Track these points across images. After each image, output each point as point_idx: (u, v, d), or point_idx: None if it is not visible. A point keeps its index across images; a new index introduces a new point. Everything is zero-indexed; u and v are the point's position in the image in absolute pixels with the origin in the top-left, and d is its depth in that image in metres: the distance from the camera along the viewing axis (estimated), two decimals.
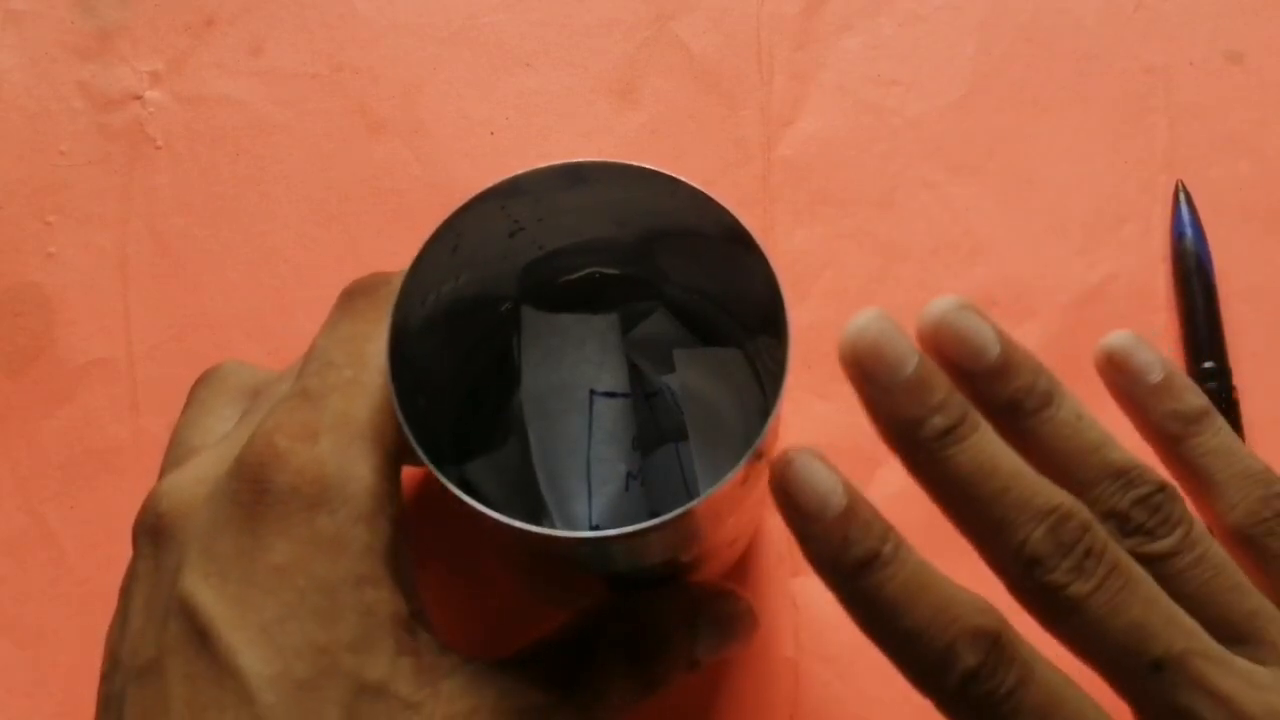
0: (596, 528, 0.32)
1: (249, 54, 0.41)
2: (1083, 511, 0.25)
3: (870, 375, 0.25)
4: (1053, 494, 0.25)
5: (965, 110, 0.40)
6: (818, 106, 0.40)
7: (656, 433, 0.34)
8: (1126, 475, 0.26)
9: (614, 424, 0.32)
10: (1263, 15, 0.40)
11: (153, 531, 0.25)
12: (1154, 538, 0.25)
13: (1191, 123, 0.39)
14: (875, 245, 0.39)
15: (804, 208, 0.39)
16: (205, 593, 0.23)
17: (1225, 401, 0.36)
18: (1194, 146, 0.39)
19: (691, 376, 0.33)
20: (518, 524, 0.24)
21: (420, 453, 0.25)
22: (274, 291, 0.39)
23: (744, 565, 0.36)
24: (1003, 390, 0.26)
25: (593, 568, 0.28)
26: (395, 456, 0.25)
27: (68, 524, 0.37)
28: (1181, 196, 0.38)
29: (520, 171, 0.27)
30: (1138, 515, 0.26)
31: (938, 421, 0.25)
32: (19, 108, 0.41)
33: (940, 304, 0.26)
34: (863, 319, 0.25)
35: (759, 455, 0.26)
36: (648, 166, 0.27)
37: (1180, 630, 0.24)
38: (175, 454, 0.28)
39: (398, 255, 0.27)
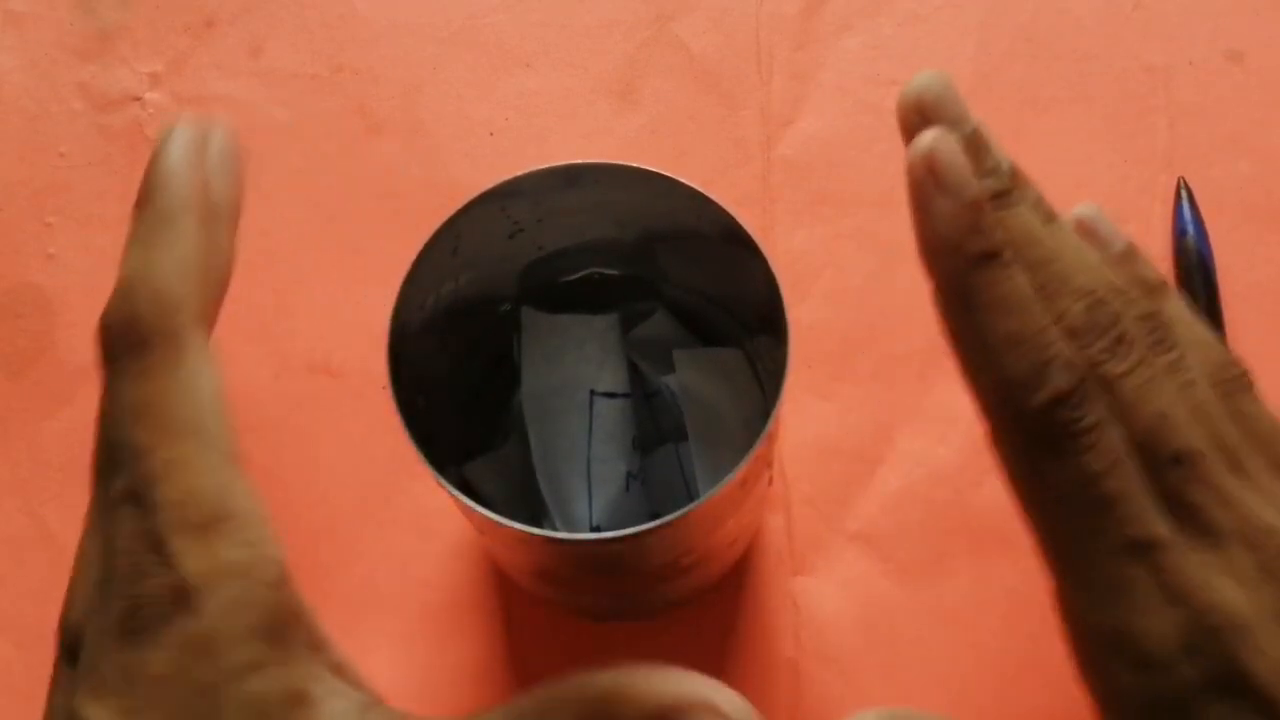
0: (597, 528, 0.32)
1: (249, 55, 0.41)
2: (1117, 301, 0.25)
3: (935, 122, 0.25)
4: (1092, 276, 0.26)
5: None
6: (817, 106, 0.40)
7: (656, 433, 0.34)
8: (1126, 293, 0.26)
9: (614, 424, 0.32)
10: (1263, 15, 0.40)
11: (62, 649, 0.25)
12: (1155, 351, 0.26)
13: (1191, 122, 0.39)
14: (875, 245, 0.39)
15: (804, 208, 0.39)
16: (96, 711, 0.23)
17: None
18: (1194, 146, 0.39)
19: (691, 376, 0.33)
20: (517, 526, 0.24)
21: (421, 454, 0.25)
22: (274, 292, 0.39)
23: (744, 565, 0.36)
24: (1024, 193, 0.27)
25: (593, 569, 0.28)
26: (251, 515, 0.23)
27: (67, 525, 0.37)
28: (1183, 194, 0.38)
29: (520, 173, 0.27)
30: (1139, 328, 0.26)
31: (993, 182, 0.26)
32: (19, 109, 0.41)
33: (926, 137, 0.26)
34: (926, 76, 0.25)
35: (759, 456, 0.26)
36: (647, 168, 0.27)
37: (1199, 431, 0.25)
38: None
39: (398, 255, 0.27)
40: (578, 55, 0.41)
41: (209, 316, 0.25)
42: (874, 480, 0.36)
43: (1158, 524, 0.24)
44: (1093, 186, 0.39)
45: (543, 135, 0.40)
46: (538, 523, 0.32)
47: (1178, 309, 0.29)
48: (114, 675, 0.23)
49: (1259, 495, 0.25)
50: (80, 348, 0.38)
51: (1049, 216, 0.27)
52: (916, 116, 0.26)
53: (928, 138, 0.25)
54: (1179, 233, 0.38)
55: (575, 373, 0.32)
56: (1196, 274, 0.37)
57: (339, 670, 0.24)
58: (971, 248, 0.25)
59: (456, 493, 0.25)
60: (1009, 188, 0.26)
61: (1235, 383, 0.27)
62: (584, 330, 0.33)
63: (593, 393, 0.32)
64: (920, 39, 0.40)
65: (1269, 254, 0.38)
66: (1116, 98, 0.40)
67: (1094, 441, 0.24)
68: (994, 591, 0.35)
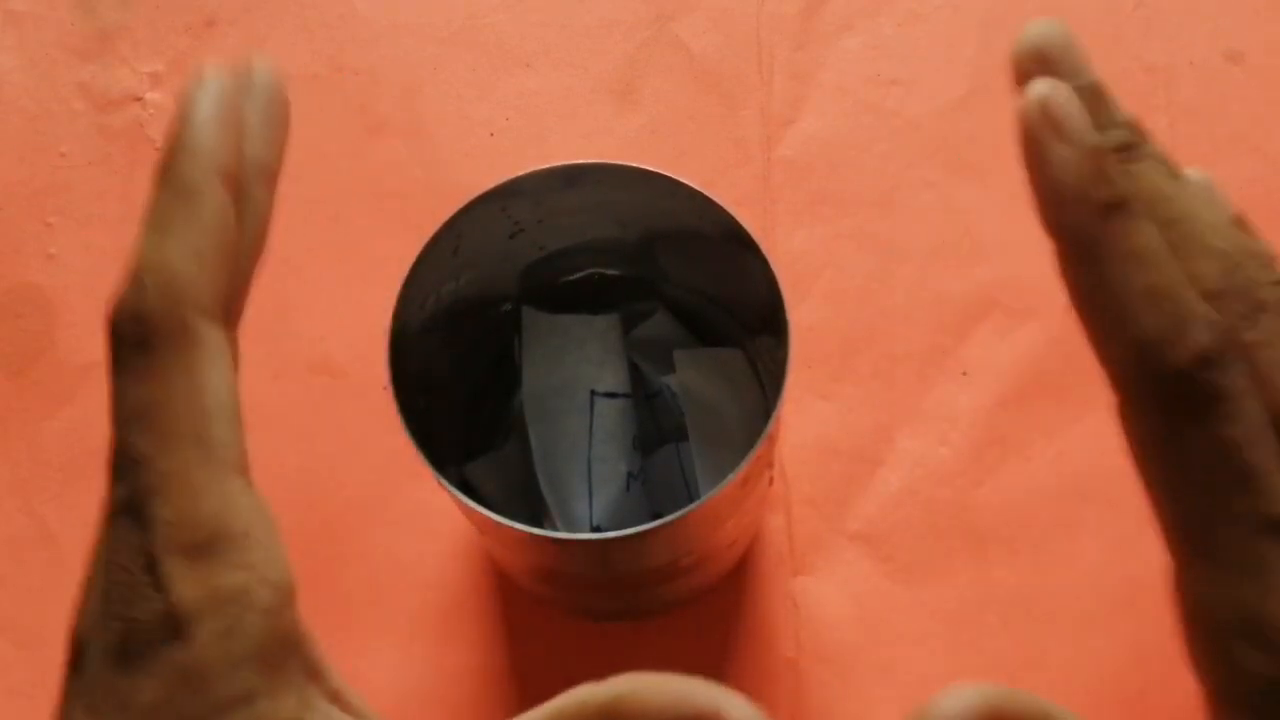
0: (598, 528, 0.32)
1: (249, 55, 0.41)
2: (1252, 265, 0.23)
3: (1055, 72, 0.25)
4: (1225, 238, 0.24)
5: (965, 110, 0.40)
6: (818, 106, 0.40)
7: (657, 433, 0.34)
8: (1260, 257, 0.24)
9: (615, 424, 0.32)
10: (1263, 15, 0.40)
11: (70, 657, 0.25)
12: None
13: (1192, 122, 0.39)
14: (875, 245, 0.39)
15: (804, 208, 0.39)
16: None
17: None
18: (1194, 146, 0.39)
19: (692, 376, 0.33)
20: (517, 526, 0.24)
21: (420, 454, 0.25)
22: (274, 292, 0.39)
23: (744, 566, 0.36)
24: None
25: (594, 569, 0.28)
26: (251, 534, 0.22)
27: (67, 524, 0.37)
28: None
29: (521, 173, 0.27)
30: (1272, 294, 0.24)
31: (1119, 134, 0.24)
32: (19, 109, 0.41)
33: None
34: (1043, 22, 0.24)
35: (759, 457, 0.26)
36: (647, 168, 0.27)
37: None
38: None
39: (398, 255, 0.27)
40: (578, 55, 0.41)
41: (232, 305, 0.23)
42: (874, 480, 0.36)
43: None
44: None
45: (543, 135, 0.40)
46: (538, 522, 0.32)
47: None
48: (107, 699, 0.22)
49: None
50: (80, 347, 0.38)
51: (1174, 173, 0.25)
52: (1034, 64, 0.24)
53: (1043, 85, 0.23)
54: None
55: (576, 373, 0.32)
56: None
57: (336, 697, 0.23)
58: (1099, 196, 0.23)
59: (457, 492, 0.25)
60: (1135, 141, 0.24)
61: None
62: (585, 330, 0.33)
63: (593, 393, 0.32)
64: (920, 39, 0.40)
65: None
66: (1117, 98, 0.40)
67: (1237, 410, 0.23)
68: (994, 591, 0.35)
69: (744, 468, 0.25)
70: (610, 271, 0.33)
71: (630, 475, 0.32)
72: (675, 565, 0.28)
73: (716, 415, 0.32)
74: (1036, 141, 0.24)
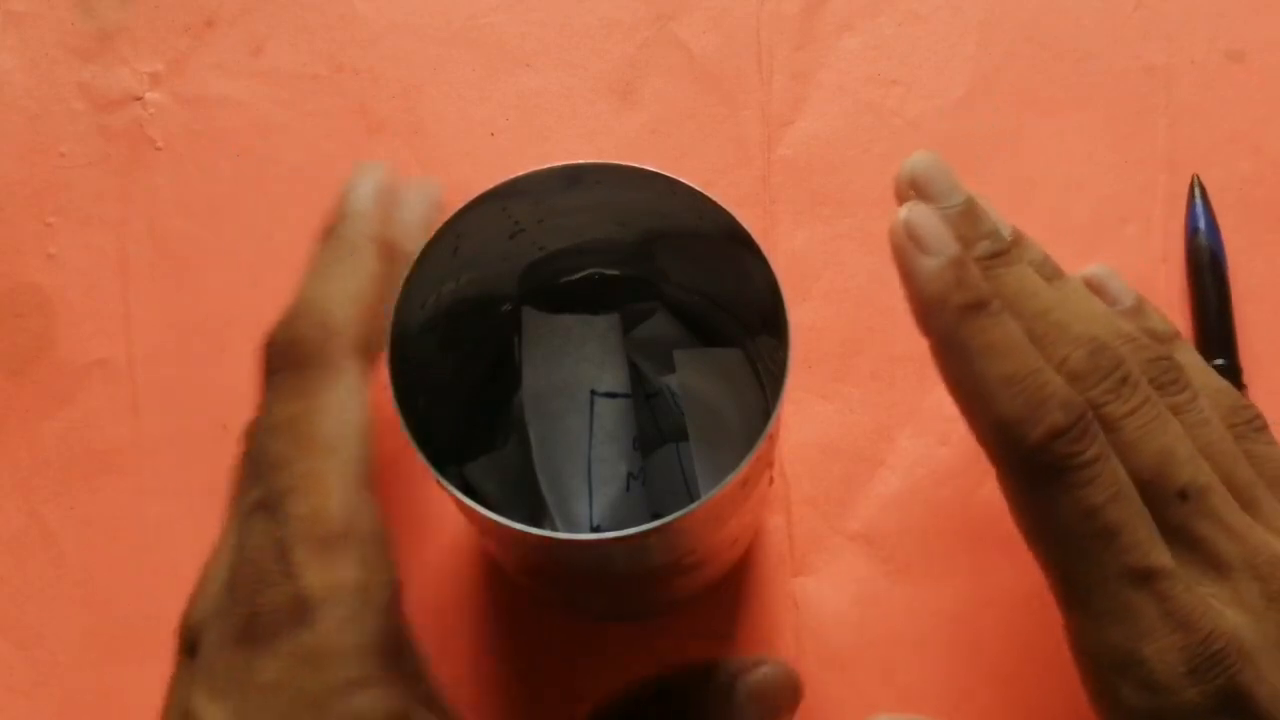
0: (597, 528, 0.32)
1: (249, 55, 0.41)
2: (1119, 346, 0.27)
3: (926, 196, 0.28)
4: (1091, 325, 0.27)
5: (965, 110, 0.40)
6: (818, 106, 0.40)
7: (657, 433, 0.34)
8: (1136, 339, 0.28)
9: (615, 424, 0.32)
10: (1264, 14, 0.40)
11: (183, 645, 0.25)
12: (1167, 392, 0.27)
13: (1192, 122, 0.39)
14: (875, 245, 0.38)
15: (804, 208, 0.39)
16: (212, 710, 0.23)
17: None
18: (1195, 146, 0.39)
19: (692, 376, 0.33)
20: (517, 526, 0.24)
21: (420, 454, 0.25)
22: (274, 292, 0.39)
23: (744, 566, 0.36)
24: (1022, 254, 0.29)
25: (594, 569, 0.28)
26: (373, 538, 0.24)
27: (67, 525, 0.37)
28: (1197, 191, 0.38)
29: (520, 173, 0.27)
30: (1150, 371, 0.27)
31: (987, 245, 0.28)
32: (19, 109, 0.41)
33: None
34: (919, 154, 0.28)
35: (760, 456, 0.26)
36: (647, 168, 0.27)
37: (1204, 467, 0.26)
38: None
39: None
40: (578, 55, 0.41)
41: (371, 348, 0.25)
42: (874, 480, 0.36)
43: (1160, 554, 0.25)
44: (1093, 186, 0.39)
45: (543, 135, 0.40)
46: (538, 523, 0.31)
47: (1190, 356, 0.30)
48: (229, 678, 0.23)
49: (1270, 530, 0.26)
50: (80, 348, 0.38)
51: (1054, 274, 0.29)
52: (910, 190, 0.28)
53: (906, 210, 0.27)
54: (1191, 230, 0.38)
55: (576, 373, 0.32)
56: (1208, 272, 0.37)
57: (429, 702, 0.24)
58: (957, 299, 0.26)
59: (456, 492, 0.25)
60: (1004, 249, 0.28)
61: (1249, 425, 0.28)
62: (585, 330, 0.33)
63: (593, 393, 0.32)
64: (920, 39, 0.40)
65: (1270, 254, 0.38)
66: (1116, 98, 0.40)
67: (1094, 475, 0.25)
68: (994, 591, 0.35)
69: (744, 468, 0.25)
70: (610, 271, 0.33)
71: (630, 475, 0.32)
72: (676, 565, 0.28)
73: (717, 415, 0.32)
74: (903, 256, 0.27)
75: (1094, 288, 0.30)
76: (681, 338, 0.34)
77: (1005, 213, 0.39)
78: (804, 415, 0.37)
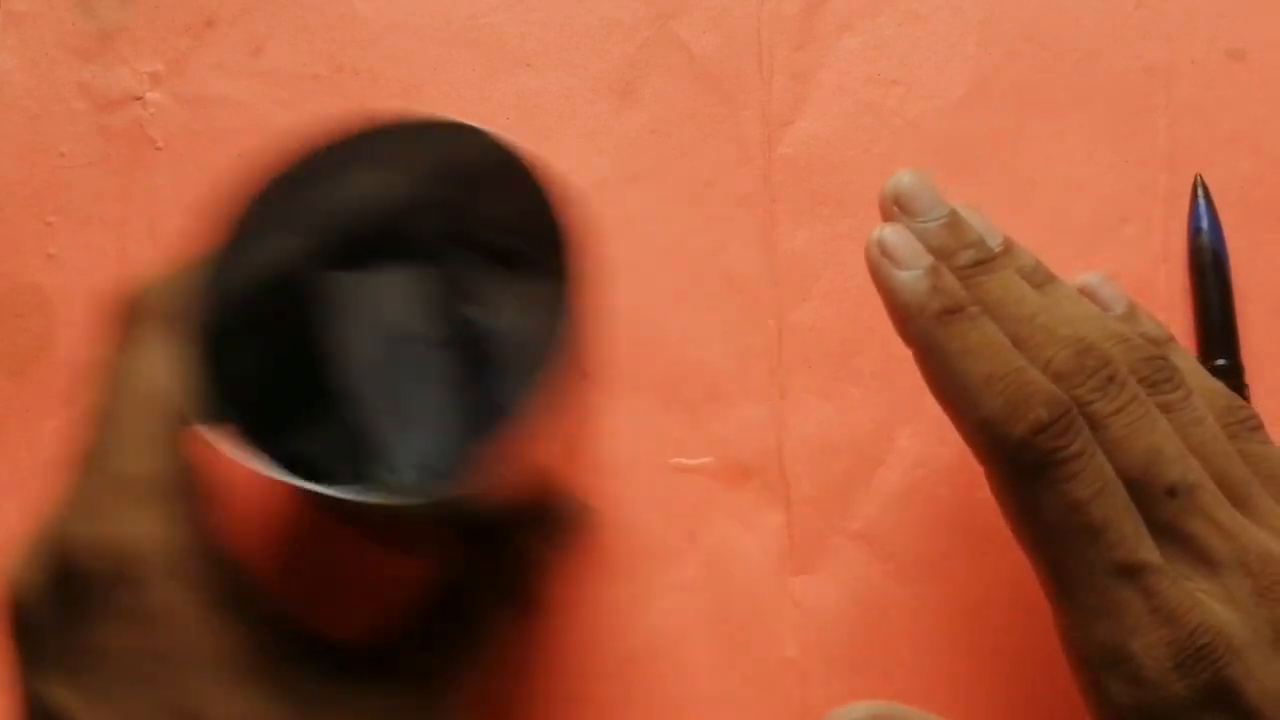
0: (428, 473, 0.32)
1: (249, 55, 0.41)
2: (1110, 347, 0.27)
3: (909, 212, 0.29)
4: (1082, 325, 0.27)
5: (965, 110, 0.40)
6: (818, 106, 0.40)
7: (477, 373, 0.34)
8: (1129, 340, 0.28)
9: (433, 370, 0.33)
10: (1264, 13, 0.40)
11: (15, 622, 0.25)
12: (1160, 390, 0.27)
13: (1193, 122, 0.39)
14: None
15: (804, 207, 0.39)
16: (55, 692, 0.23)
17: None
18: (1195, 146, 0.39)
19: (501, 310, 0.33)
20: (313, 487, 0.25)
21: (233, 440, 0.25)
22: None
23: (744, 564, 0.36)
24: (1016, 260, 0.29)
25: (408, 518, 0.28)
26: (182, 492, 0.25)
27: None
28: (1199, 191, 0.38)
29: (301, 147, 0.27)
30: (1143, 369, 0.27)
31: (970, 254, 0.28)
32: (19, 109, 0.41)
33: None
34: (901, 174, 0.29)
35: (559, 377, 0.26)
36: (427, 118, 0.28)
37: (1193, 464, 0.26)
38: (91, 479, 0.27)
39: None
40: (578, 55, 0.41)
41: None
42: (875, 479, 0.36)
43: (1147, 550, 0.25)
44: (1093, 186, 0.39)
45: (543, 135, 0.40)
46: (368, 480, 0.31)
47: (1183, 358, 0.30)
48: (65, 654, 0.24)
49: (1262, 526, 0.26)
50: (81, 348, 0.38)
51: (1046, 279, 0.30)
52: (895, 209, 0.29)
53: (879, 230, 0.29)
54: (1193, 230, 0.38)
55: (387, 328, 0.33)
56: (1210, 272, 0.37)
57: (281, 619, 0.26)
58: (933, 306, 0.27)
59: (252, 458, 0.25)
60: (987, 257, 0.28)
61: (1243, 424, 0.28)
62: (389, 284, 0.33)
63: (406, 341, 0.33)
64: (920, 39, 0.40)
65: (1270, 254, 0.38)
66: (1116, 98, 0.40)
67: (1078, 469, 0.25)
68: (995, 591, 0.35)
69: (544, 388, 0.25)
70: (412, 223, 0.33)
71: (454, 417, 0.32)
72: (498, 494, 0.28)
73: (530, 346, 0.32)
74: (878, 271, 0.28)
75: (1086, 295, 0.31)
76: (488, 275, 0.34)
77: (1005, 213, 0.39)
78: (804, 414, 0.37)
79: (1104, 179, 0.39)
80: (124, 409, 0.25)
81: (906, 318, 0.28)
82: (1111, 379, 0.26)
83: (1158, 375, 0.27)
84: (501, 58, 0.41)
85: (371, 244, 0.33)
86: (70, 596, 0.23)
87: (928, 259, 0.28)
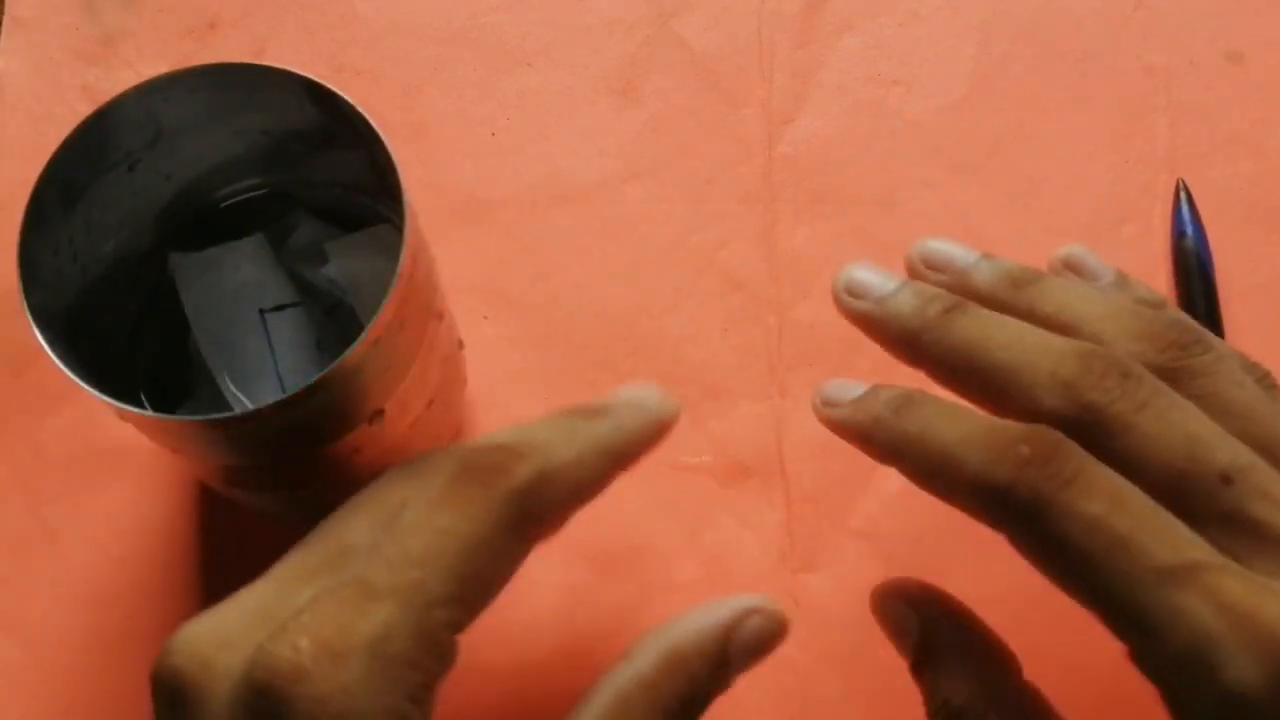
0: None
1: (251, 56, 0.41)
2: (1107, 350, 0.25)
3: (862, 294, 0.28)
4: (1071, 338, 0.26)
5: (965, 110, 0.40)
6: (818, 105, 0.40)
7: (346, 338, 0.34)
8: (1140, 312, 0.27)
9: (293, 333, 0.33)
10: (1263, 15, 0.40)
11: (169, 691, 0.23)
12: (1191, 354, 0.25)
13: (1192, 122, 0.39)
14: (876, 244, 0.39)
15: (805, 206, 0.39)
16: None
17: None
18: (1194, 146, 0.39)
19: (349, 264, 0.33)
20: (188, 418, 0.25)
21: (96, 391, 0.25)
22: None
23: (744, 563, 0.36)
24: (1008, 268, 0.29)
25: (283, 442, 0.28)
26: (430, 682, 0.23)
27: (70, 524, 0.37)
28: (1183, 196, 0.38)
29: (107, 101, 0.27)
30: (1168, 336, 0.26)
31: (937, 304, 0.27)
32: (24, 110, 0.41)
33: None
34: (851, 270, 0.29)
35: (405, 300, 0.26)
36: (237, 63, 0.28)
37: (1239, 444, 0.24)
38: None
39: None
40: (579, 54, 0.41)
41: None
42: (875, 478, 0.36)
43: (1194, 549, 0.23)
44: (1093, 186, 0.39)
45: (544, 134, 0.40)
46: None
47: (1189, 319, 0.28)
48: None
49: None
50: None
51: (1031, 279, 0.28)
52: (846, 296, 0.29)
53: (839, 280, 0.29)
54: (1177, 234, 0.38)
55: (238, 299, 0.33)
56: (1195, 276, 0.37)
57: None
58: (934, 309, 0.27)
59: (143, 411, 0.25)
60: (956, 302, 0.27)
61: (1262, 381, 0.26)
62: (234, 257, 0.33)
63: (261, 311, 0.33)
64: (920, 39, 0.41)
65: (1270, 255, 0.38)
66: (1116, 98, 0.40)
67: (1083, 488, 0.23)
68: (995, 591, 0.35)
69: (378, 318, 0.25)
70: (249, 192, 0.33)
71: (304, 374, 0.33)
72: (355, 419, 0.28)
73: (383, 291, 0.32)
74: (851, 308, 0.28)
75: (1072, 267, 0.30)
76: (333, 234, 0.34)
77: (1005, 213, 0.39)
78: (805, 412, 0.37)
79: (1104, 179, 0.39)
80: (436, 571, 0.23)
81: (922, 330, 0.27)
82: (1126, 375, 0.25)
83: (1185, 338, 0.26)
84: (502, 57, 0.41)
85: (212, 214, 0.33)
86: None
87: (896, 277, 0.28)
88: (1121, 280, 0.30)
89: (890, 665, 0.35)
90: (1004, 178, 0.39)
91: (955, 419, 0.25)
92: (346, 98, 0.27)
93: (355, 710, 0.21)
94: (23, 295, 0.26)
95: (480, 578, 0.24)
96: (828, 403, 0.28)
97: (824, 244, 0.39)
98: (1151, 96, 0.40)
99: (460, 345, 0.34)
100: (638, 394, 0.28)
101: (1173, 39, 0.40)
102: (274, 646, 0.22)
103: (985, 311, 0.27)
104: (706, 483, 0.37)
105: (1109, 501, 0.23)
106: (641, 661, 0.25)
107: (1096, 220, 0.39)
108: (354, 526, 0.25)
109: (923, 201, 0.39)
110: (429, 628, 0.23)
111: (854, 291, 0.28)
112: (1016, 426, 0.25)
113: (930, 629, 0.28)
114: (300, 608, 0.23)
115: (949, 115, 0.40)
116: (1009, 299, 0.28)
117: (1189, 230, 0.38)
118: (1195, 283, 0.37)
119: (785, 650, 0.35)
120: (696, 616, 0.26)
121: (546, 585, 0.35)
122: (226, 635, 0.23)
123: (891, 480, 0.36)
